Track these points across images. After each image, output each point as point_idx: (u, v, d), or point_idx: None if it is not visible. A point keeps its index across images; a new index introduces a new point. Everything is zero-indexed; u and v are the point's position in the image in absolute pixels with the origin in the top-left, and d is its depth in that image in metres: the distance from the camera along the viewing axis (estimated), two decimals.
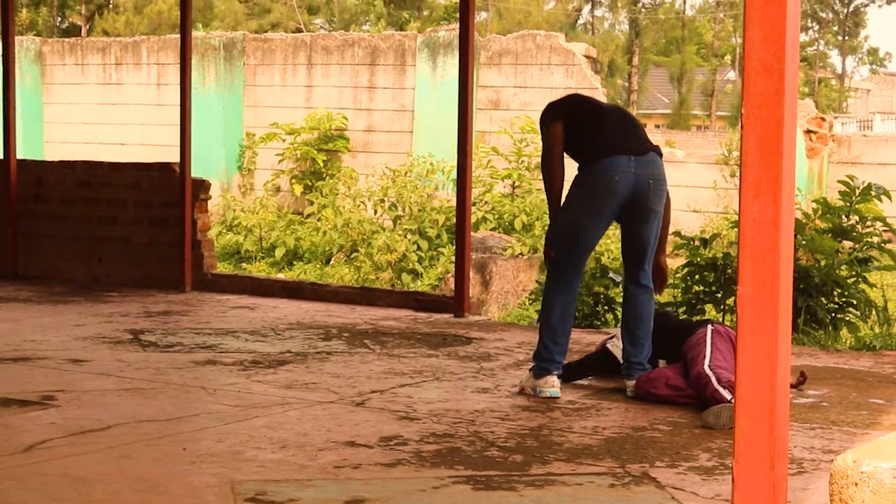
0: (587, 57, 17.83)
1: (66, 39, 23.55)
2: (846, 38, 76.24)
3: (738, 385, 2.85)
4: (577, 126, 6.21)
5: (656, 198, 6.14)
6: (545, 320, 6.21)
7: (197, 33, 20.47)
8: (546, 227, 6.53)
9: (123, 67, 21.10)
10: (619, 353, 6.41)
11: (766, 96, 2.71)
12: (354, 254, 15.08)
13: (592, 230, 6.16)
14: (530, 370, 6.26)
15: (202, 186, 10.60)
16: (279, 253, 15.89)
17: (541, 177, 6.50)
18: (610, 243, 14.58)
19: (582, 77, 17.26)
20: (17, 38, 18.75)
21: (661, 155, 6.25)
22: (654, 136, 39.74)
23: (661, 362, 6.42)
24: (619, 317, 9.45)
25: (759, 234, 2.72)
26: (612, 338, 6.66)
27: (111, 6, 54.48)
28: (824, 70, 73.55)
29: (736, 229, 11.42)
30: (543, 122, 6.32)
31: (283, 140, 19.30)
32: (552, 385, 6.11)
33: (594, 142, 6.13)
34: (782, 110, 2.68)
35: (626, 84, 62.07)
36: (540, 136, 6.48)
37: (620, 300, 9.81)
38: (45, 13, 52.98)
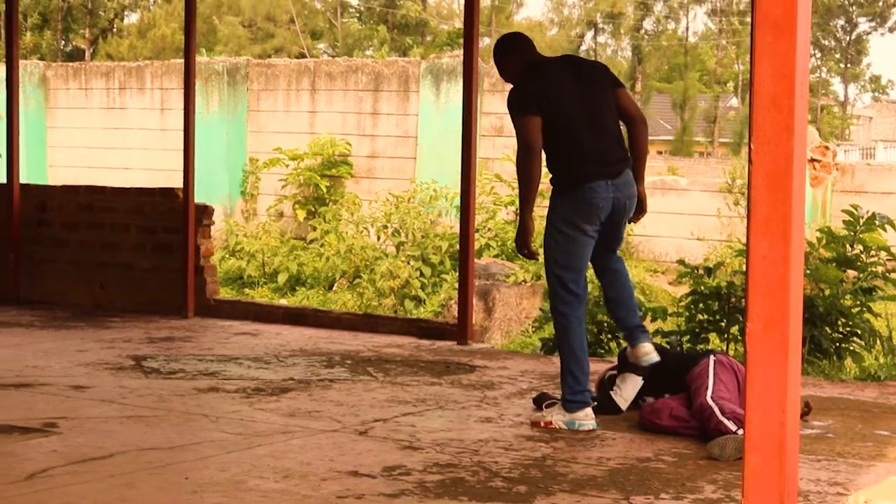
0: None
1: (70, 64, 23.60)
2: (848, 65, 76.38)
3: (748, 421, 2.82)
4: (552, 128, 6.14)
5: (631, 210, 6.31)
6: (569, 350, 6.15)
7: (201, 58, 20.51)
8: (517, 229, 6.36)
9: (127, 92, 21.13)
10: (621, 403, 6.40)
11: (776, 132, 2.70)
12: (357, 280, 15.07)
13: (587, 249, 6.23)
14: (558, 405, 6.14)
15: (205, 212, 10.59)
16: (282, 278, 15.88)
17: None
18: None
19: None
20: (21, 62, 18.79)
21: (628, 161, 6.29)
22: (657, 164, 39.45)
23: (648, 399, 6.39)
24: (621, 345, 9.45)
25: (768, 270, 2.71)
26: (614, 374, 6.62)
27: (115, 30, 54.66)
28: (826, 97, 73.65)
29: (741, 258, 11.44)
30: (519, 112, 6.20)
31: (287, 165, 19.30)
32: (591, 417, 6.08)
33: (572, 159, 6.13)
34: (792, 146, 2.67)
35: None
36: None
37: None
38: (49, 37, 53.14)
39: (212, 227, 10.81)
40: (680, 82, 64.70)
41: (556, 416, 6.07)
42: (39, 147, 21.68)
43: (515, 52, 6.41)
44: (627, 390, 6.43)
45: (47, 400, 6.52)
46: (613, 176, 6.14)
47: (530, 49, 6.42)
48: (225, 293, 14.20)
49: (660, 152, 61.59)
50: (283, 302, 14.30)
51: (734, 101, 69.57)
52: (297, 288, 15.68)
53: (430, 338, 9.26)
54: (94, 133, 21.44)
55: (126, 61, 41.97)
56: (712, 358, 6.28)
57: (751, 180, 2.74)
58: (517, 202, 6.46)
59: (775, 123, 2.71)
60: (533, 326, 10.93)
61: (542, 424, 6.07)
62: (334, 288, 15.38)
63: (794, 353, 2.72)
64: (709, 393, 5.95)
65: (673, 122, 67.11)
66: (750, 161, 2.73)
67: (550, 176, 6.27)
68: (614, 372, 6.64)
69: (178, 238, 10.40)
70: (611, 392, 6.50)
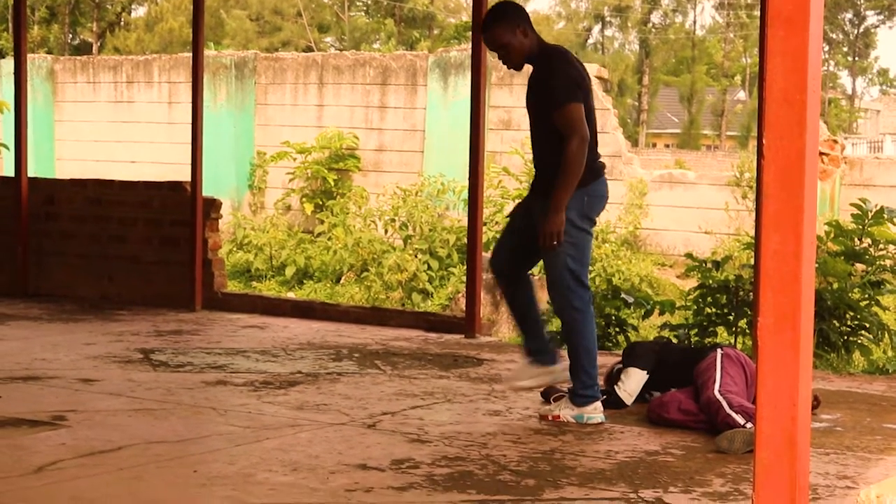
0: (599, 78, 17.84)
1: (78, 57, 23.61)
2: (856, 58, 76.26)
3: (759, 416, 2.82)
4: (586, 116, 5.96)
5: None
6: (584, 346, 6.07)
7: (208, 52, 20.49)
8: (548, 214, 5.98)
9: (135, 85, 21.14)
10: (625, 397, 6.39)
11: (788, 127, 2.69)
12: (365, 273, 15.07)
13: (592, 243, 6.30)
14: (565, 398, 6.11)
15: (213, 205, 10.60)
16: (289, 272, 15.89)
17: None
18: (621, 264, 14.57)
19: (594, 98, 17.26)
20: (29, 56, 18.80)
21: None
22: (664, 157, 39.60)
23: (656, 393, 6.38)
24: (629, 338, 9.45)
25: (779, 265, 2.71)
26: (620, 368, 6.62)
27: (122, 24, 54.69)
28: (834, 90, 73.57)
29: (748, 251, 11.44)
30: (567, 98, 5.86)
31: (294, 159, 19.31)
32: (599, 410, 6.06)
33: (591, 151, 6.00)
34: (804, 141, 2.67)
35: (636, 104, 62.12)
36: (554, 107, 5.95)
37: (632, 322, 9.84)
38: (57, 30, 53.16)
39: (219, 221, 10.82)
40: (687, 75, 64.68)
41: (565, 411, 6.04)
42: (47, 140, 21.70)
43: (529, 27, 6.03)
44: (631, 385, 6.43)
45: (56, 393, 6.52)
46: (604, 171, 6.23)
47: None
48: (232, 286, 14.20)
49: (667, 145, 61.64)
50: (291, 295, 14.31)
51: (742, 95, 69.51)
52: (305, 281, 15.69)
53: (437, 331, 9.27)
54: (101, 126, 21.46)
55: (133, 55, 42.02)
56: (720, 351, 6.27)
57: (763, 175, 2.73)
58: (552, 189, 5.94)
59: (787, 119, 2.70)
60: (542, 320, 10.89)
61: (550, 418, 6.06)
62: (342, 281, 15.39)
63: (806, 348, 2.72)
64: (717, 386, 5.94)
65: (680, 115, 67.13)
66: (762, 156, 2.72)
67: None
68: (621, 366, 6.64)
69: (185, 231, 10.41)
70: (615, 387, 6.49)
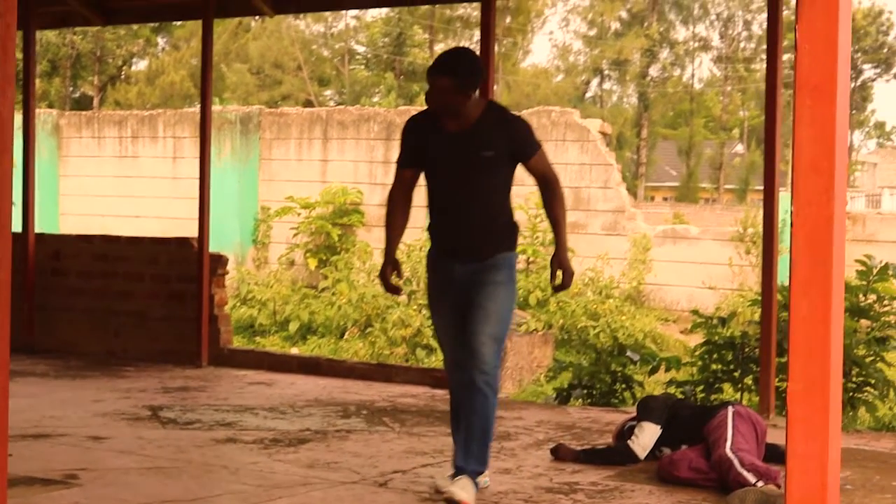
0: (602, 133, 17.94)
1: (83, 112, 23.73)
2: (853, 111, 76.60)
3: (789, 481, 2.84)
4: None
5: None
6: (493, 421, 5.62)
7: (213, 107, 20.56)
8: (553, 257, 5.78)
9: (140, 140, 21.23)
10: (639, 451, 6.40)
11: (816, 195, 2.75)
12: (369, 328, 15.08)
13: None
14: (466, 479, 5.46)
15: (220, 261, 10.64)
16: (293, 327, 15.90)
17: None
18: (625, 320, 14.58)
19: (597, 153, 17.35)
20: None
21: None
22: (663, 210, 39.47)
23: (666, 450, 6.40)
24: (635, 395, 9.47)
25: (808, 332, 2.76)
26: (633, 424, 6.63)
27: (123, 77, 54.92)
28: None
29: (753, 307, 11.47)
30: (539, 142, 5.76)
31: (298, 214, 19.37)
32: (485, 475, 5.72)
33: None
34: (832, 209, 2.72)
35: (635, 157, 62.31)
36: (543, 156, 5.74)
37: (638, 378, 9.85)
38: (58, 84, 53.39)
39: (225, 277, 10.85)
40: (685, 129, 64.91)
41: (468, 489, 5.42)
42: (52, 195, 21.75)
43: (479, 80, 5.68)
44: (645, 439, 6.45)
45: (67, 451, 6.53)
46: None
47: None
48: (236, 341, 14.20)
49: (665, 198, 61.76)
50: (295, 350, 14.32)
51: (739, 148, 69.72)
52: (309, 336, 15.70)
53: (444, 387, 9.23)
54: (106, 181, 21.52)
55: (134, 108, 42.11)
56: (731, 409, 6.29)
57: (792, 242, 2.78)
58: (529, 253, 5.88)
59: (815, 186, 2.76)
60: (547, 376, 10.92)
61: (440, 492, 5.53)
62: (345, 336, 15.40)
63: (835, 413, 2.77)
64: (728, 444, 5.96)
65: (678, 168, 67.27)
66: (791, 224, 2.77)
67: (510, 226, 5.79)
68: (633, 422, 6.66)
69: (192, 287, 10.44)
70: (628, 441, 6.51)
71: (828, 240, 2.76)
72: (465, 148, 5.59)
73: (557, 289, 5.74)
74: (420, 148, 5.75)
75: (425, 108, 5.76)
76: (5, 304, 4.12)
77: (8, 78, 4.04)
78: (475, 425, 5.52)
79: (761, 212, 8.75)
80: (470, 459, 5.51)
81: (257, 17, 45.52)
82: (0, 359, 4.15)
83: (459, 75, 5.53)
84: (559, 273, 5.68)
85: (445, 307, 5.76)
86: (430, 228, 5.92)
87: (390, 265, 5.88)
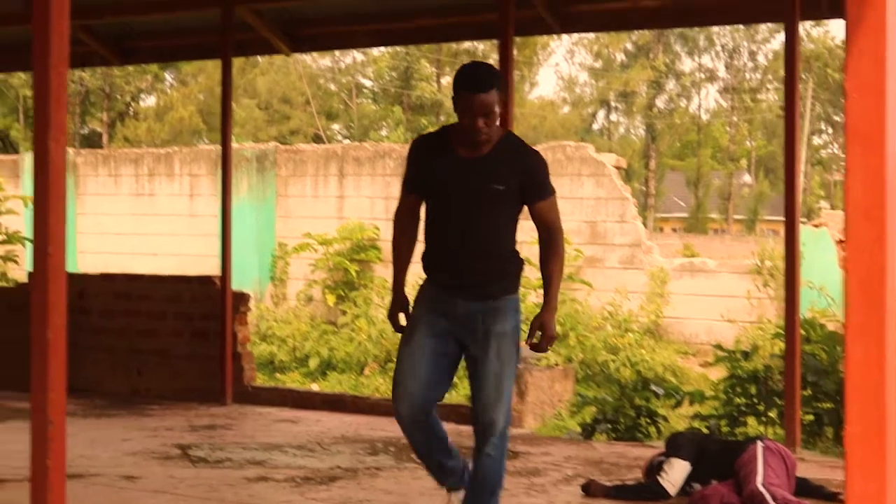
0: (616, 167, 18.01)
1: (100, 150, 23.86)
2: None
3: None
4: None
5: None
6: (503, 471, 5.62)
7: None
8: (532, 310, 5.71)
9: (156, 178, 21.35)
10: (669, 488, 6.44)
11: (868, 242, 2.84)
12: (388, 364, 15.11)
13: None
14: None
15: (242, 299, 10.70)
16: (313, 363, 15.93)
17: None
18: (645, 353, 14.60)
19: (612, 187, 17.42)
20: None
21: None
22: (672, 241, 39.40)
23: (696, 485, 6.43)
24: (660, 429, 9.50)
25: (864, 376, 2.85)
26: (662, 460, 6.67)
27: (132, 113, 55.17)
28: (839, 173, 73.86)
29: (775, 339, 11.51)
30: (553, 188, 5.36)
31: (316, 250, 19.44)
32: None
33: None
34: (885, 256, 2.81)
35: (644, 188, 62.46)
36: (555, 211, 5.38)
37: (662, 412, 9.88)
38: (68, 121, 53.60)
39: (247, 314, 10.91)
40: (693, 159, 65.10)
41: None
42: (70, 233, 21.84)
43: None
44: (675, 475, 6.48)
45: (100, 491, 6.58)
46: None
47: None
48: (257, 378, 14.26)
49: (674, 229, 61.87)
50: (315, 387, 14.35)
51: (747, 178, 69.87)
52: (329, 372, 15.74)
53: (468, 423, 9.28)
54: (123, 219, 21.62)
55: (144, 144, 42.21)
56: (760, 444, 6.34)
57: (846, 288, 2.85)
58: (551, 287, 5.16)
59: (868, 234, 2.85)
60: (570, 411, 10.95)
61: None
62: (365, 372, 15.44)
63: (892, 455, 2.83)
64: (759, 479, 6.01)
65: (687, 199, 67.42)
66: (845, 270, 2.83)
67: (517, 263, 5.43)
68: (662, 458, 6.69)
69: (214, 325, 10.50)
70: (658, 477, 6.54)
71: (881, 285, 2.86)
72: (477, 177, 5.18)
73: (533, 348, 5.29)
74: (428, 171, 5.28)
75: (433, 130, 5.45)
76: (61, 349, 4.19)
77: (61, 127, 4.13)
78: (484, 489, 5.43)
79: (772, 242, 8.79)
80: None
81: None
82: (56, 403, 4.21)
83: (502, 88, 5.14)
84: (538, 334, 5.29)
85: (429, 342, 5.34)
86: (428, 258, 5.46)
87: (398, 304, 5.52)
